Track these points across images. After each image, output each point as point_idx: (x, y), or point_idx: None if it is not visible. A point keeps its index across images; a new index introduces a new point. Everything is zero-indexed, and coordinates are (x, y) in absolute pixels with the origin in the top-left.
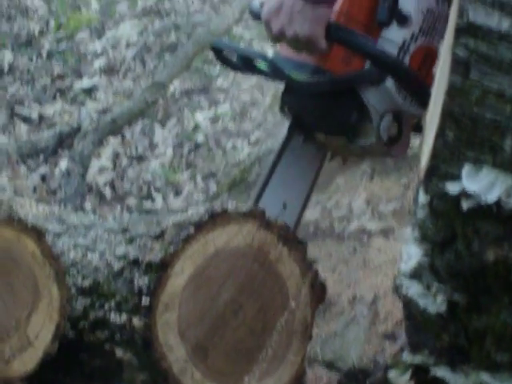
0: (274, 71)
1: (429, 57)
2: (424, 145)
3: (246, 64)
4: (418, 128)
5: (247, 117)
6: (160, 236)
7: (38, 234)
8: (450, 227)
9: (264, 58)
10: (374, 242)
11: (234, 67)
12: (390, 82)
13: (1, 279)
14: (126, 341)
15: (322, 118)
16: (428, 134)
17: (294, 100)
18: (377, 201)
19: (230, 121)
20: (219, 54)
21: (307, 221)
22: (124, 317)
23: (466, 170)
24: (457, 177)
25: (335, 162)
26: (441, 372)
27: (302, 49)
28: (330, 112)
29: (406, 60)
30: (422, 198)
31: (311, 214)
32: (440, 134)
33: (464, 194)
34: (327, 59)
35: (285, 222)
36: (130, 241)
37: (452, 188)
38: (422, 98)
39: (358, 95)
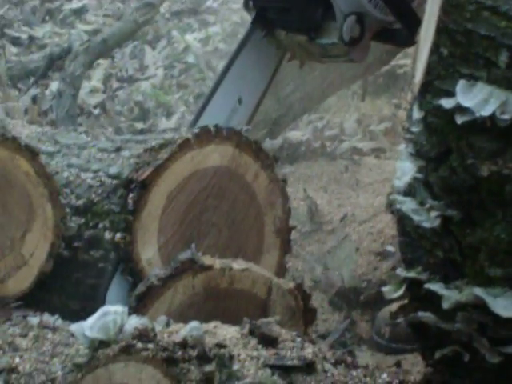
0: None
1: None
2: (418, 61)
3: None
4: (381, 37)
5: (237, 37)
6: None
7: (31, 153)
8: (444, 143)
9: None
10: (365, 162)
11: None
12: None
13: None
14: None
15: (288, 13)
16: (422, 51)
17: None
18: (368, 121)
19: (221, 41)
20: None
21: (299, 141)
22: (118, 235)
23: (461, 85)
24: (451, 93)
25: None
26: (435, 287)
27: None
28: (296, 6)
29: None
30: (416, 114)
31: (303, 133)
32: (434, 50)
33: (458, 108)
34: None
35: (239, 116)
36: (124, 160)
37: (446, 104)
38: (388, 2)
39: None
